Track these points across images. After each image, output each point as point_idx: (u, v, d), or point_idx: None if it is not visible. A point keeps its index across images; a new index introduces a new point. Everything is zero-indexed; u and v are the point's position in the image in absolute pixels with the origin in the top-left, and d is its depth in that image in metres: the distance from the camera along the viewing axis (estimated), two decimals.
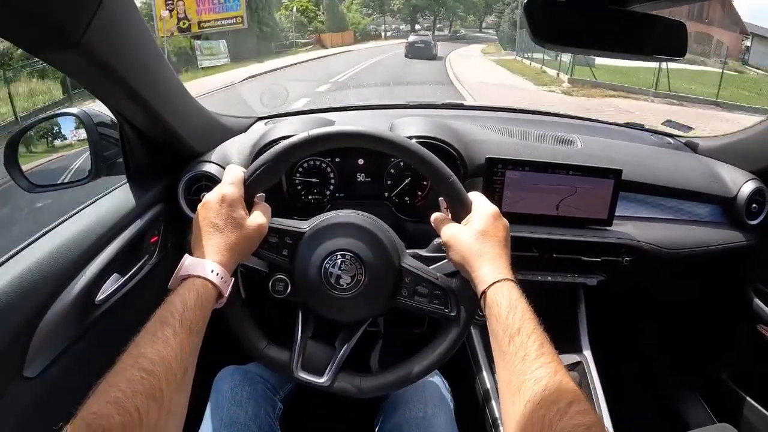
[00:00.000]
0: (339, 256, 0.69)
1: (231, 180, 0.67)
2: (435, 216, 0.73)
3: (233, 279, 0.63)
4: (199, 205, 0.65)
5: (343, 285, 0.69)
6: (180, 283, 0.57)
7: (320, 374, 0.71)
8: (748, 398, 1.25)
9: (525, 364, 0.52)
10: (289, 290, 0.72)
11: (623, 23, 0.77)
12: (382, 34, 43.07)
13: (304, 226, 0.73)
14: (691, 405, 1.40)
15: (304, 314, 0.75)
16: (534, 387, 0.50)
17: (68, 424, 0.42)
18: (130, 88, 0.75)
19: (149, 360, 0.48)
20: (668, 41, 0.79)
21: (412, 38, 22.20)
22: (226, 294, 0.61)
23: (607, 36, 0.76)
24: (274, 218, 0.71)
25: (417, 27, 45.94)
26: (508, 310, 0.57)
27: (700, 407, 1.38)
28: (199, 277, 0.58)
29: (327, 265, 0.69)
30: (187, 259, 0.59)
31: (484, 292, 0.61)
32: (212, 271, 0.59)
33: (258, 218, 0.66)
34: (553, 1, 0.67)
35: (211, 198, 0.65)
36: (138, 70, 0.76)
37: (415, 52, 20.17)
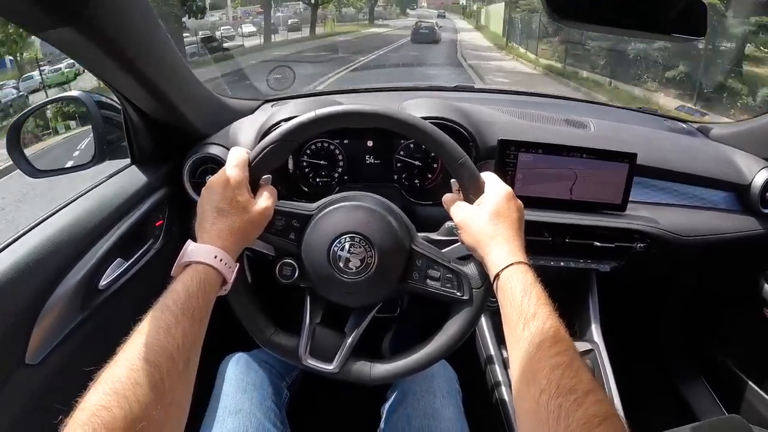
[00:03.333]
0: (348, 239, 0.68)
1: (235, 162, 0.65)
2: (446, 197, 0.71)
3: (238, 265, 0.61)
4: (203, 189, 0.63)
5: (352, 268, 0.67)
6: (182, 270, 0.56)
7: (329, 361, 0.70)
8: (758, 389, 1.24)
9: (540, 351, 0.51)
10: (296, 275, 0.71)
11: (642, 1, 0.74)
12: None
13: (312, 208, 0.71)
14: (700, 395, 1.39)
15: (312, 299, 0.73)
16: (550, 375, 0.48)
17: (68, 417, 0.41)
18: (134, 68, 0.74)
19: (150, 350, 0.46)
20: (687, 20, 0.76)
21: (417, 23, 23.15)
22: (231, 280, 0.59)
23: (625, 14, 0.73)
24: (281, 201, 0.69)
25: (247, 29, 22.51)
26: (523, 295, 0.55)
27: (710, 397, 1.37)
28: (202, 263, 0.56)
29: (335, 248, 0.68)
30: (190, 245, 0.57)
31: (497, 275, 0.59)
32: (216, 257, 0.57)
33: (263, 201, 0.65)
34: None
35: (215, 181, 0.63)
36: (142, 48, 0.74)
37: (420, 37, 21.14)
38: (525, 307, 0.55)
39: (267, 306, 0.71)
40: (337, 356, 0.70)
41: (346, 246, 0.67)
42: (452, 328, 0.69)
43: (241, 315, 0.69)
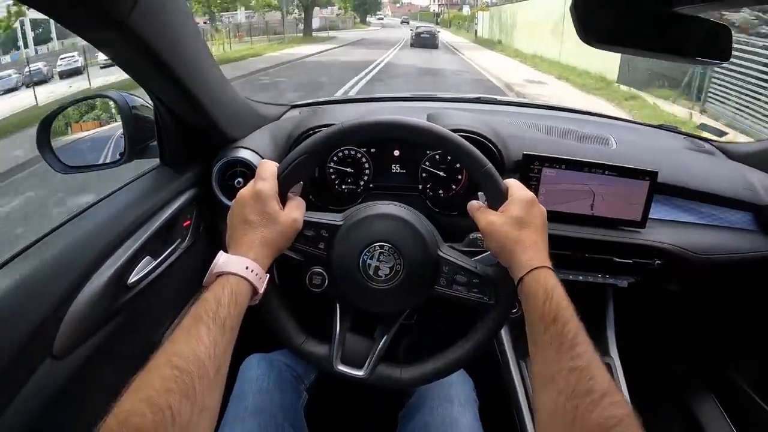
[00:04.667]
0: (377, 248, 0.69)
1: (265, 175, 0.66)
2: (471, 204, 0.72)
3: (268, 275, 0.63)
4: (233, 201, 0.65)
5: (381, 276, 0.69)
6: (214, 280, 0.57)
7: (359, 367, 0.71)
8: None
9: (560, 353, 0.52)
10: (326, 283, 0.72)
11: (669, 24, 0.75)
12: None
13: (340, 218, 0.73)
14: (711, 413, 1.38)
15: (342, 307, 0.74)
16: (568, 377, 0.49)
17: (102, 421, 0.42)
18: (170, 71, 0.75)
19: (182, 358, 0.47)
20: (712, 44, 0.77)
21: (417, 29, 23.99)
22: (261, 291, 0.60)
23: (652, 37, 0.74)
24: (309, 211, 0.70)
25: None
26: (545, 298, 0.57)
27: (720, 416, 1.37)
28: (234, 274, 0.57)
29: (365, 257, 0.69)
30: (222, 256, 0.59)
31: (521, 279, 0.60)
32: (247, 268, 0.58)
33: (293, 212, 0.66)
34: (601, 1, 0.66)
35: (245, 194, 0.64)
36: (178, 52, 0.75)
37: (420, 41, 22.23)
38: (546, 311, 0.56)
39: (296, 312, 0.73)
40: (367, 362, 0.71)
41: (376, 254, 0.69)
42: (479, 331, 0.70)
43: (271, 324, 0.70)
